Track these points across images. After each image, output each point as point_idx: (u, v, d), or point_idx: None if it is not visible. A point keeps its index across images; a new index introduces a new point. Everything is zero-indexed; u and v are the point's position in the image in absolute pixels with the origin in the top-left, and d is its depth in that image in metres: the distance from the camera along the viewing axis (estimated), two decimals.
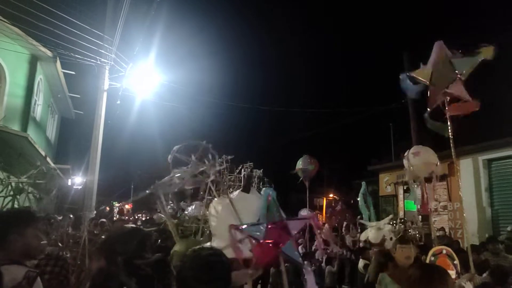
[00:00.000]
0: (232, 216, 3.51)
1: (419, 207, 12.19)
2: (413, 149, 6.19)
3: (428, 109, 4.93)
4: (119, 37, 12.23)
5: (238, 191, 4.14)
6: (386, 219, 5.59)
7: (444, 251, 3.05)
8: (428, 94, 4.96)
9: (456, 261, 3.04)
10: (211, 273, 1.50)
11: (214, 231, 3.77)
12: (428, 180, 13.76)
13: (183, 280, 1.51)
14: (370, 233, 5.27)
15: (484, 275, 3.81)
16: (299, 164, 12.23)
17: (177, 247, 2.40)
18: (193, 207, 7.63)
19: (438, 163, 5.80)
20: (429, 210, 6.16)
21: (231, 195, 3.87)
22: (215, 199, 4.21)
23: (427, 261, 3.01)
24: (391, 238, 5.17)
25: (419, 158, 6.04)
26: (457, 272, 2.98)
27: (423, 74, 4.88)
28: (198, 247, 1.65)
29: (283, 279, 3.43)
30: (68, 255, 6.18)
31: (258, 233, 3.21)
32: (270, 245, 3.15)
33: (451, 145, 4.83)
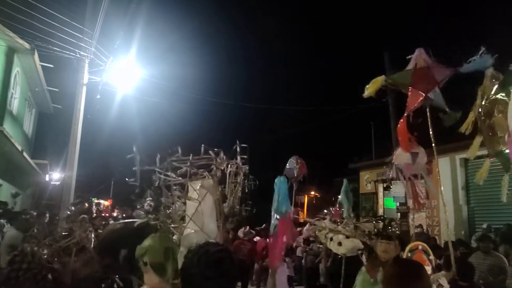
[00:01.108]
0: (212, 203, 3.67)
1: (398, 204, 12.47)
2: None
3: (406, 112, 4.98)
4: (99, 30, 12.00)
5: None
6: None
7: (420, 247, 3.12)
8: (408, 96, 5.00)
9: (432, 257, 3.11)
10: (220, 269, 1.46)
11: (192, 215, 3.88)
12: (416, 176, 13.94)
13: (190, 277, 1.47)
14: (338, 247, 5.27)
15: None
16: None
17: (148, 242, 2.32)
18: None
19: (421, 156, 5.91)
20: (421, 204, 6.22)
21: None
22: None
23: (404, 256, 3.07)
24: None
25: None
26: (432, 268, 3.05)
27: (403, 76, 4.90)
28: (203, 242, 1.60)
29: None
30: (45, 252, 6.06)
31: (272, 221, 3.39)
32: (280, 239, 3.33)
33: (433, 144, 4.91)
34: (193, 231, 3.87)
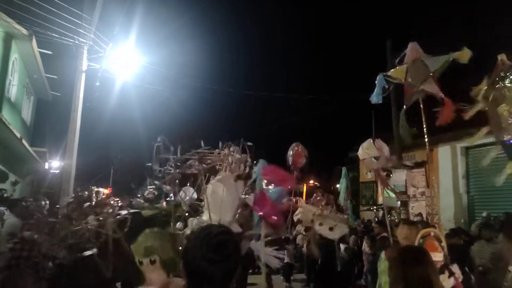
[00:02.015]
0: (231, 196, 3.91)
1: (398, 192, 12.46)
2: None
3: (404, 106, 5.15)
4: (98, 16, 11.85)
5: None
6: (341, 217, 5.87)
7: (432, 234, 3.08)
8: (404, 92, 5.15)
9: (444, 243, 3.07)
10: (223, 252, 1.40)
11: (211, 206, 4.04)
12: (409, 167, 13.96)
13: (192, 261, 1.41)
14: (322, 228, 5.51)
15: None
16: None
17: (154, 240, 2.26)
18: (183, 193, 7.59)
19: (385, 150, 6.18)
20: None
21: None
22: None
23: (416, 243, 3.05)
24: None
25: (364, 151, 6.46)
26: (444, 255, 3.02)
27: (398, 72, 5.09)
28: (206, 224, 1.55)
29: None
30: (44, 240, 6.04)
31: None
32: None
33: (425, 134, 5.18)
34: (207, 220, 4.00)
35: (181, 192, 7.40)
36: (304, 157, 8.51)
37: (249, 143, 5.40)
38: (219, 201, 4.13)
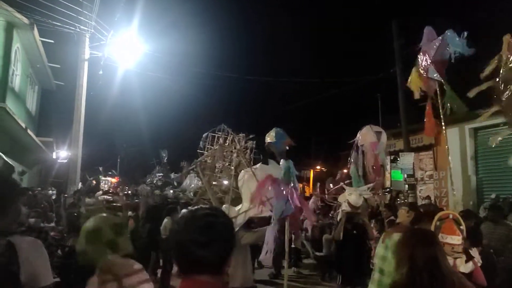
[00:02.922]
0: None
1: (405, 176, 12.37)
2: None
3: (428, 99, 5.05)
4: (98, 3, 11.69)
5: (260, 164, 4.92)
6: (365, 187, 6.04)
7: (451, 216, 3.00)
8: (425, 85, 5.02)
9: (463, 226, 2.99)
10: (210, 234, 1.33)
11: (242, 196, 4.32)
12: (416, 150, 13.82)
13: (180, 245, 1.35)
14: (351, 197, 5.62)
15: None
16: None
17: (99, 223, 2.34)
18: (189, 180, 7.69)
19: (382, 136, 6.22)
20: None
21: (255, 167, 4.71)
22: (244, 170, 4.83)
23: (432, 226, 2.97)
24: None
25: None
26: (463, 238, 2.93)
27: (415, 80, 5.00)
28: (195, 207, 1.47)
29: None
30: (51, 225, 6.07)
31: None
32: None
33: (441, 116, 5.05)
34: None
35: (186, 179, 7.46)
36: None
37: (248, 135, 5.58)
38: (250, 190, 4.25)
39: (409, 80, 5.29)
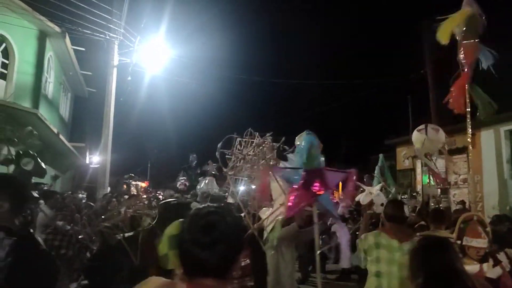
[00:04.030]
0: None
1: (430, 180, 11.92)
2: (433, 125, 6.40)
3: (466, 70, 4.57)
4: (127, 10, 11.95)
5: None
6: (378, 186, 5.99)
7: (475, 218, 2.82)
8: (461, 51, 4.57)
9: (488, 229, 2.80)
10: (212, 235, 1.25)
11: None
12: (450, 153, 13.34)
13: (182, 245, 1.29)
14: (361, 196, 5.63)
15: None
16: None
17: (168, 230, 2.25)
18: (205, 182, 7.66)
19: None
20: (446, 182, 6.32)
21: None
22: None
23: (456, 228, 2.81)
24: (382, 204, 5.58)
25: (439, 134, 6.29)
26: (489, 240, 2.75)
27: (443, 32, 4.52)
28: (201, 206, 1.38)
29: (315, 235, 3.37)
30: (78, 229, 6.16)
31: (296, 177, 3.20)
32: (306, 190, 3.09)
33: (468, 117, 4.67)
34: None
35: (202, 182, 7.45)
36: None
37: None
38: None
39: (444, 24, 4.69)
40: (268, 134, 5.86)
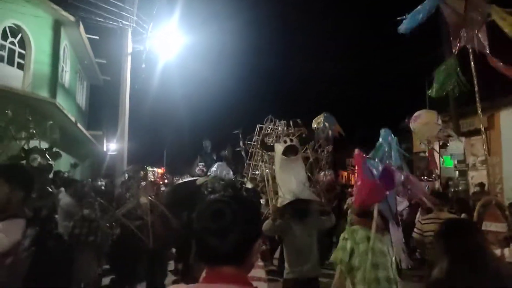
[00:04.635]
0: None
1: (456, 162, 11.75)
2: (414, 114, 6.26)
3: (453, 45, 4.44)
4: None
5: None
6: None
7: (494, 201, 2.78)
8: (452, 29, 4.44)
9: (507, 212, 2.76)
10: (220, 222, 1.27)
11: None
12: (468, 134, 13.13)
13: (195, 233, 1.32)
14: None
15: None
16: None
17: None
18: (215, 167, 7.69)
19: (440, 121, 5.77)
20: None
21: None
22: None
23: (475, 212, 2.76)
24: None
25: (419, 121, 6.16)
26: (508, 224, 2.71)
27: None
28: (213, 196, 1.42)
29: (372, 228, 3.25)
30: (100, 216, 6.30)
31: (375, 171, 3.13)
32: (383, 185, 3.01)
33: (477, 98, 4.48)
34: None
35: (214, 167, 7.47)
36: None
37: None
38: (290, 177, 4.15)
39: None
40: (282, 121, 5.82)
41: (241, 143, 6.59)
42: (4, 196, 2.01)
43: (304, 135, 5.24)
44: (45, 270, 1.94)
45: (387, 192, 3.06)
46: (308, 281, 3.87)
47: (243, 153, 6.61)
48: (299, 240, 4.05)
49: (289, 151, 4.37)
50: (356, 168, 3.22)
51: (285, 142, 4.47)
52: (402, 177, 3.21)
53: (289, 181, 4.25)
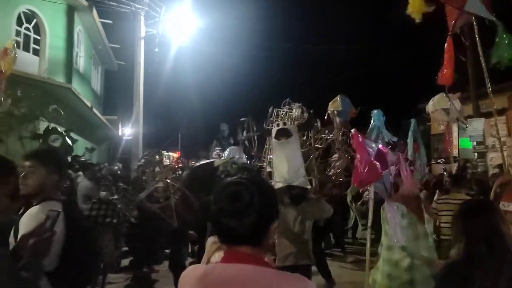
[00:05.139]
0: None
1: (475, 143, 11.52)
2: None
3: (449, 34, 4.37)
4: None
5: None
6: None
7: None
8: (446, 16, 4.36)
9: None
10: (236, 204, 1.29)
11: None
12: (487, 115, 12.87)
13: (213, 215, 1.35)
14: None
15: None
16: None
17: None
18: (228, 151, 7.71)
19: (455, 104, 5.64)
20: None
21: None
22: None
23: (492, 192, 2.71)
24: None
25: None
26: None
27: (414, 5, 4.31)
28: (231, 178, 1.44)
29: (369, 209, 3.34)
30: (118, 200, 6.40)
31: (371, 150, 3.21)
32: (378, 165, 3.09)
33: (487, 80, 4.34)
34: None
35: (227, 150, 7.50)
36: None
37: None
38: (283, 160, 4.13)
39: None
40: (297, 104, 5.75)
41: (244, 133, 6.56)
42: (42, 179, 2.08)
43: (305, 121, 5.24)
44: (80, 250, 2.05)
45: (383, 171, 3.15)
46: (296, 268, 3.70)
47: (246, 142, 6.60)
48: (291, 226, 3.99)
49: (280, 134, 4.35)
50: (356, 147, 3.27)
51: (277, 125, 4.46)
52: (394, 157, 3.28)
53: (281, 165, 4.24)
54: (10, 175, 1.73)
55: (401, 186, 3.18)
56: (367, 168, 3.06)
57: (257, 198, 1.30)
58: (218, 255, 2.15)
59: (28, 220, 1.84)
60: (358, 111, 6.73)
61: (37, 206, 1.99)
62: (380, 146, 3.36)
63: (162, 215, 5.77)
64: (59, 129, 6.43)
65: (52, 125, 6.39)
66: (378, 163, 3.14)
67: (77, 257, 2.02)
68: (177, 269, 4.95)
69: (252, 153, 6.56)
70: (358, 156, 3.22)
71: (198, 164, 8.05)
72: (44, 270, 1.72)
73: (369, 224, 3.40)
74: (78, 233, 2.08)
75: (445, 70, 4.47)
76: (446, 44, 4.43)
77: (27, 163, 2.09)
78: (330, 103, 5.37)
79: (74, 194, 6.06)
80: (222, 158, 7.37)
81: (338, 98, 5.37)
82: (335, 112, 5.96)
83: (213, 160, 7.54)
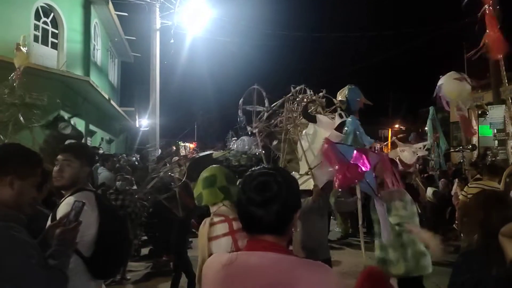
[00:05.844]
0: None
1: (495, 131, 11.28)
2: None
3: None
4: None
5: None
6: (420, 144, 5.77)
7: None
8: None
9: None
10: (264, 194, 1.32)
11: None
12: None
13: (239, 204, 1.39)
14: (403, 154, 5.36)
15: None
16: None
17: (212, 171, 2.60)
18: (239, 141, 7.74)
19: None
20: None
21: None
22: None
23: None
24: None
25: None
26: None
27: None
28: (258, 168, 1.48)
29: (358, 208, 3.40)
30: (135, 189, 6.52)
31: (347, 153, 3.30)
32: (357, 167, 3.18)
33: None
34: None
35: (239, 141, 7.54)
36: None
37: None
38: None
39: None
40: (310, 92, 5.71)
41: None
42: (76, 171, 2.22)
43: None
44: (114, 238, 2.22)
45: (365, 171, 3.26)
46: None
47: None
48: (318, 222, 3.96)
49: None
50: (330, 156, 3.40)
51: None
52: (376, 156, 3.49)
53: (309, 154, 4.20)
54: (37, 167, 1.80)
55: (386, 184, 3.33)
56: (345, 170, 3.17)
57: (284, 188, 1.33)
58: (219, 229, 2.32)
59: (66, 210, 1.94)
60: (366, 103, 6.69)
61: (72, 196, 2.12)
62: (356, 148, 3.47)
63: (167, 205, 5.87)
64: (65, 117, 6.49)
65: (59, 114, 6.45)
66: (358, 164, 3.26)
67: (112, 244, 2.16)
68: (182, 259, 5.07)
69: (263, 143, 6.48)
70: (336, 166, 3.31)
71: (199, 155, 8.21)
72: (71, 257, 1.80)
73: (360, 222, 3.50)
74: (112, 221, 2.21)
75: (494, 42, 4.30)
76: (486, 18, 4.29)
77: (62, 157, 2.24)
78: (338, 93, 5.32)
79: (95, 185, 6.19)
80: (226, 149, 7.45)
81: (346, 88, 5.33)
82: (343, 101, 5.94)
83: (211, 152, 7.68)
